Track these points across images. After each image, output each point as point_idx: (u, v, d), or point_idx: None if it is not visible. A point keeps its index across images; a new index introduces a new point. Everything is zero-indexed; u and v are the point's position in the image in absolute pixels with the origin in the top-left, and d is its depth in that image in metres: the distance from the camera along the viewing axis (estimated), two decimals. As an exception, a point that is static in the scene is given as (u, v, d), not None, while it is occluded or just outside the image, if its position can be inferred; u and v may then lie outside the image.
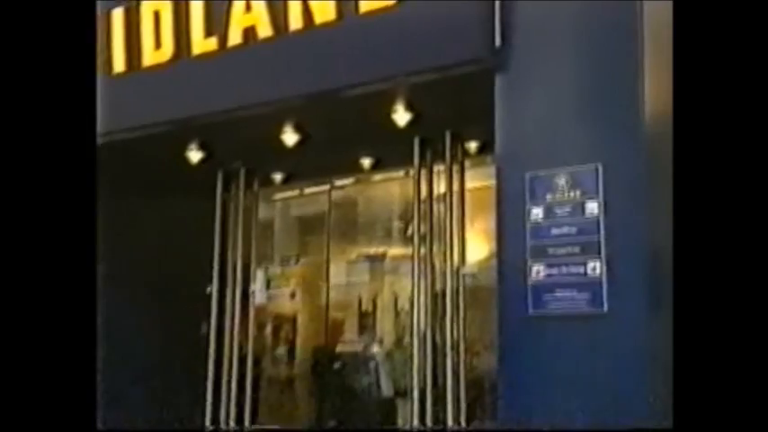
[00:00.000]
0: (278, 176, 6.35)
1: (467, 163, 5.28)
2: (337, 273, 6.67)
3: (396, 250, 6.42)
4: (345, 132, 5.01)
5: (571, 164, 3.71)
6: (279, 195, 6.80)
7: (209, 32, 4.84)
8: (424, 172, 5.37)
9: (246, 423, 5.97)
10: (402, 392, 5.76)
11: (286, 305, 6.96)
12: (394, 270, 6.40)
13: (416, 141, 5.28)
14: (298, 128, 5.17)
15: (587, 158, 3.67)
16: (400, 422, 5.82)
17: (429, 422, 5.02)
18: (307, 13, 4.49)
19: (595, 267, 3.56)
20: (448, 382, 4.98)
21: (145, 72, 5.08)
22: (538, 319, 3.69)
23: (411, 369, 5.18)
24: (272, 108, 4.78)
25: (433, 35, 4.10)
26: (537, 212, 3.75)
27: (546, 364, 3.63)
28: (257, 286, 6.35)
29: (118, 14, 5.15)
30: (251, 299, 6.24)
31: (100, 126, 4.80)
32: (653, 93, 3.58)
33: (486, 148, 4.96)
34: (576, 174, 3.67)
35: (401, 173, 5.89)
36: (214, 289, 6.09)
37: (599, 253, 3.57)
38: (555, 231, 3.69)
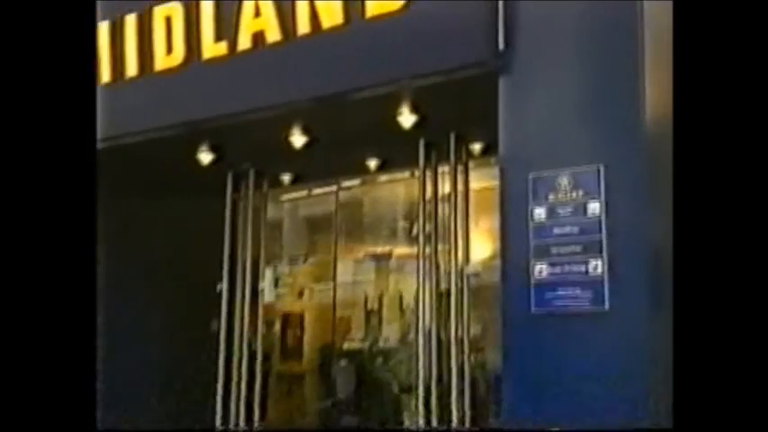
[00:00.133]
0: (286, 177, 6.35)
1: (471, 164, 5.27)
2: (344, 271, 6.67)
3: (401, 249, 6.41)
4: (352, 134, 5.01)
5: (573, 165, 3.70)
6: (287, 196, 6.81)
7: (219, 37, 4.84)
8: (428, 173, 5.36)
9: (256, 416, 5.97)
10: (407, 389, 5.75)
11: (294, 303, 6.96)
12: (399, 269, 6.40)
13: (421, 143, 5.27)
14: (305, 130, 5.17)
15: (589, 159, 3.66)
16: (405, 419, 5.81)
17: (434, 417, 5.00)
18: (314, 17, 4.49)
19: (597, 266, 3.55)
20: (453, 379, 4.96)
21: (157, 76, 5.09)
22: (541, 316, 3.68)
23: (416, 366, 5.17)
24: (280, 111, 4.79)
25: (438, 39, 4.10)
26: (540, 212, 3.74)
27: (549, 361, 3.61)
28: (266, 284, 6.35)
29: (131, 20, 5.16)
30: (260, 297, 6.24)
31: (113, 129, 4.89)
32: (654, 95, 3.57)
33: (489, 149, 4.95)
34: (578, 174, 3.66)
35: (406, 174, 5.88)
36: (224, 287, 6.09)
37: (601, 252, 3.56)
38: (557, 231, 3.68)
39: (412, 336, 5.69)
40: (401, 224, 6.49)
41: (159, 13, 5.06)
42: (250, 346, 6.06)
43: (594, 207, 3.61)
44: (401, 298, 6.32)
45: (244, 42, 4.74)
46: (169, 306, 5.94)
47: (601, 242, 3.56)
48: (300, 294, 6.95)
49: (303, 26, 4.53)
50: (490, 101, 3.92)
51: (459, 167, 5.25)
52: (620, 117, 3.63)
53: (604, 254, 3.54)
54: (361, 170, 5.98)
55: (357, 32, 4.39)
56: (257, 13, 4.69)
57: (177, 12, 4.99)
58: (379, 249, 6.61)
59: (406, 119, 4.79)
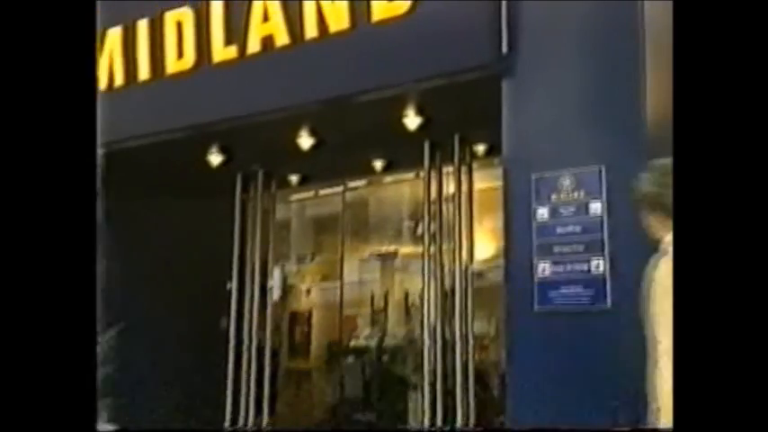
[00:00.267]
0: (294, 178, 6.36)
1: (475, 165, 5.26)
2: (350, 270, 6.67)
3: (406, 249, 6.41)
4: (358, 136, 5.01)
5: (575, 165, 3.68)
6: (295, 196, 6.82)
7: (228, 41, 4.84)
8: (433, 174, 5.35)
9: (265, 411, 5.97)
10: (413, 385, 5.74)
11: (302, 301, 6.96)
12: (405, 268, 6.40)
13: (426, 144, 5.26)
14: (313, 132, 5.17)
15: (591, 160, 3.65)
16: (411, 414, 5.80)
17: (439, 412, 4.99)
18: (322, 22, 4.49)
19: (599, 265, 3.54)
20: (457, 375, 4.95)
21: (168, 79, 5.10)
22: (544, 314, 3.67)
23: (421, 363, 5.16)
24: (288, 113, 4.79)
25: (443, 43, 4.09)
26: (542, 212, 3.73)
27: (551, 358, 3.60)
28: (274, 283, 6.35)
29: (143, 25, 5.17)
30: (269, 295, 6.24)
31: (125, 132, 4.90)
32: (654, 97, 3.55)
33: (493, 150, 4.94)
34: (580, 175, 3.65)
35: (411, 175, 5.88)
36: (234, 286, 6.10)
37: (602, 251, 3.55)
38: (560, 230, 3.67)
39: (417, 333, 5.68)
40: (406, 224, 6.49)
41: (170, 18, 5.07)
42: (259, 343, 6.06)
43: (596, 207, 3.60)
44: (407, 296, 6.32)
45: (253, 46, 4.75)
46: (180, 304, 5.94)
47: (602, 241, 3.55)
48: (308, 293, 6.95)
49: (311, 30, 4.53)
50: (493, 103, 3.91)
51: (464, 168, 5.24)
52: (621, 119, 3.62)
53: (606, 253, 3.53)
54: (367, 171, 5.98)
55: (363, 36, 4.38)
56: (266, 18, 4.69)
57: (188, 17, 5.00)
58: (385, 248, 6.61)
59: (412, 121, 4.79)
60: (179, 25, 5.04)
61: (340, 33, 4.43)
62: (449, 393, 4.97)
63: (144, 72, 5.17)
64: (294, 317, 6.95)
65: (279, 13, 4.64)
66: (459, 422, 4.85)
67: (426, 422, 5.01)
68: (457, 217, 5.22)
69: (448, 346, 5.06)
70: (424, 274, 5.30)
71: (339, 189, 6.57)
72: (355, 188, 6.52)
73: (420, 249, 5.50)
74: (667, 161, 2.30)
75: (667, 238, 2.35)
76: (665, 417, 2.25)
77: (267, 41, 4.69)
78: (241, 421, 5.88)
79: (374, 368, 6.38)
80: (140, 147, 5.13)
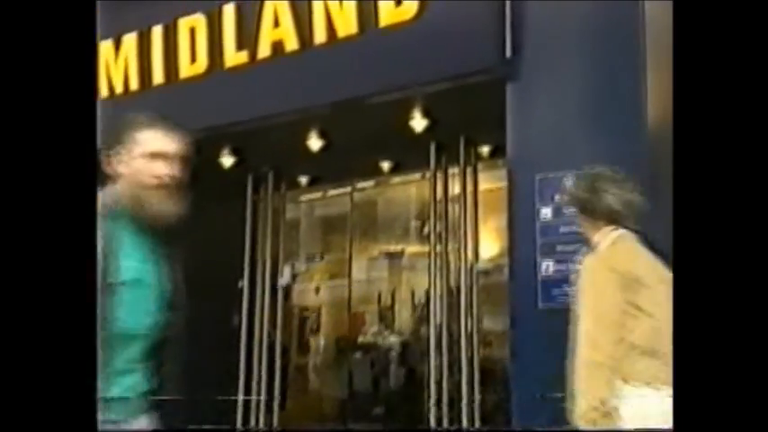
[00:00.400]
0: (304, 179, 6.38)
1: (480, 166, 5.26)
2: (359, 269, 6.68)
3: (413, 248, 6.41)
4: (366, 138, 5.02)
5: (578, 166, 3.67)
6: (304, 197, 6.83)
7: (240, 46, 4.87)
8: (439, 175, 5.36)
9: (275, 407, 5.98)
10: (420, 381, 5.74)
11: (311, 299, 6.97)
12: (411, 266, 6.40)
13: (432, 146, 5.27)
14: (322, 134, 5.19)
15: (593, 161, 3.63)
16: (419, 410, 5.80)
17: (444, 408, 4.99)
18: (330, 27, 4.50)
19: (601, 263, 3.53)
20: (463, 372, 4.95)
21: (181, 84, 5.12)
22: (547, 312, 3.67)
23: (428, 359, 5.16)
24: (298, 116, 4.80)
25: (448, 47, 4.10)
26: (546, 212, 3.73)
27: (555, 355, 3.59)
28: (285, 281, 6.37)
29: (157, 31, 5.20)
30: (279, 293, 6.26)
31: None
32: (655, 98, 3.55)
33: (497, 151, 4.94)
34: (583, 175, 3.64)
35: (418, 176, 5.88)
36: (245, 284, 6.11)
37: (604, 250, 3.53)
38: (563, 229, 3.67)
39: (424, 330, 5.69)
40: (413, 224, 6.49)
41: (184, 24, 5.10)
42: (270, 339, 6.08)
43: (598, 207, 3.58)
44: (413, 294, 6.32)
45: (263, 51, 4.77)
46: (193, 302, 5.96)
47: (604, 240, 3.54)
48: (317, 291, 6.96)
49: (320, 35, 4.55)
50: (498, 105, 3.92)
51: (469, 169, 5.25)
52: (623, 120, 3.62)
53: (608, 251, 3.52)
54: (375, 172, 5.99)
55: (371, 41, 4.40)
56: (276, 24, 4.71)
57: (201, 23, 5.03)
58: (392, 248, 6.62)
59: (418, 123, 4.80)
60: (192, 31, 5.07)
61: (348, 38, 4.45)
62: (455, 389, 4.97)
63: (158, 76, 5.20)
64: (304, 314, 6.96)
65: (289, 18, 4.66)
66: (464, 418, 4.85)
67: (432, 419, 5.01)
68: (462, 217, 5.22)
69: (453, 342, 5.06)
70: (430, 273, 5.31)
71: (347, 190, 6.58)
72: (363, 189, 6.53)
73: (426, 248, 5.51)
74: (596, 170, 2.69)
75: (595, 238, 2.58)
76: (580, 400, 2.53)
77: (277, 46, 4.71)
78: (252, 416, 5.90)
79: (382, 364, 6.38)
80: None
